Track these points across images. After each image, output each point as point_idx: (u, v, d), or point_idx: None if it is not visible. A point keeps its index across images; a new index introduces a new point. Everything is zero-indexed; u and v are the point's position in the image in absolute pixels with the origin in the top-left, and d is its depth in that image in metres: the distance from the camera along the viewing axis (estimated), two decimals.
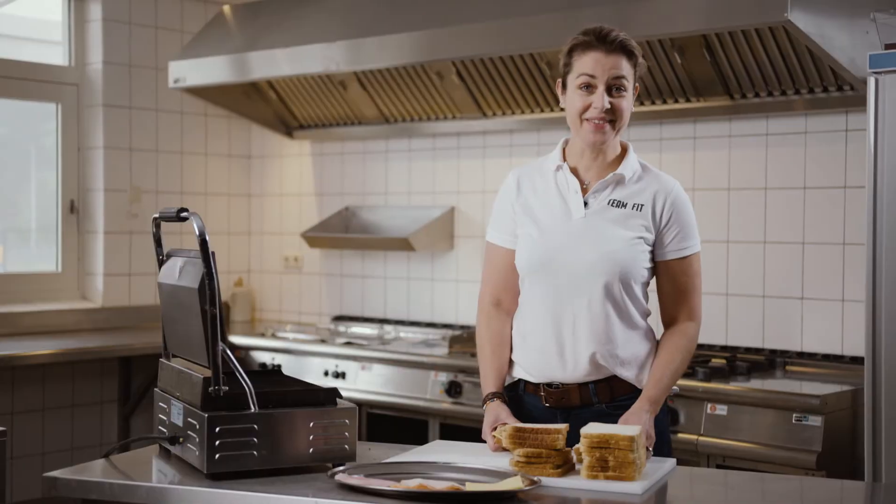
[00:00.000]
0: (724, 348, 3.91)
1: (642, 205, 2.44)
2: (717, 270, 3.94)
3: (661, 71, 3.77)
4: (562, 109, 2.53)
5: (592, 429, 2.08)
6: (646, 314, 2.48)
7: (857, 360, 3.59)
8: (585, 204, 2.46)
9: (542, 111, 4.26)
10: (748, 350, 3.86)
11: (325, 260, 5.27)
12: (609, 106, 2.40)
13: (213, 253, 2.10)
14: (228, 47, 4.76)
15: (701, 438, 3.30)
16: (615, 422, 2.29)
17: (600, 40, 2.42)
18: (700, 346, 3.92)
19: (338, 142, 5.21)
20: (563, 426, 2.13)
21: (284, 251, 5.47)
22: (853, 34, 3.30)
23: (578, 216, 2.45)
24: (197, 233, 2.10)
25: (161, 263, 2.41)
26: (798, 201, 3.77)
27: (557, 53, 3.93)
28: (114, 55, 5.00)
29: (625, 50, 2.42)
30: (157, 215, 2.34)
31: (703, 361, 3.63)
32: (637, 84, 2.47)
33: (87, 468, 2.27)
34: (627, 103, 2.42)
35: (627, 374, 2.44)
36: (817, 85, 3.55)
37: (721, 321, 3.94)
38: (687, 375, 3.43)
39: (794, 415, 3.16)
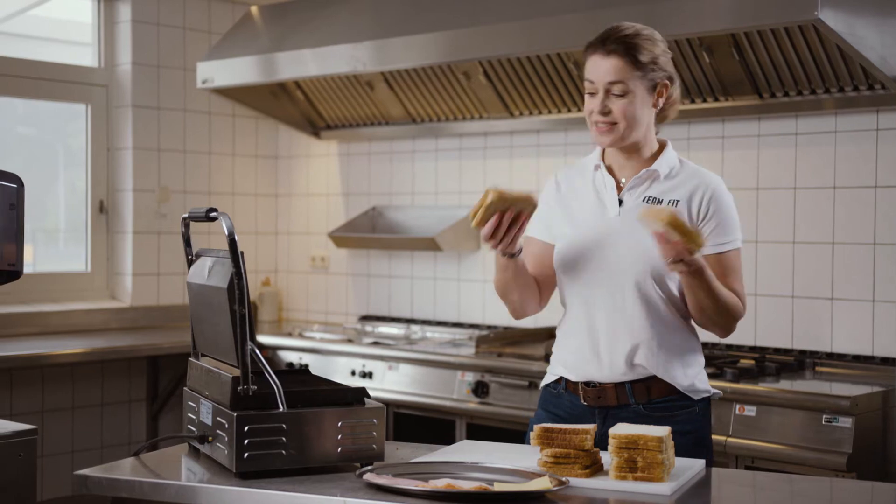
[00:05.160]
0: (753, 349, 3.89)
1: (678, 200, 2.44)
2: (745, 270, 3.89)
3: (690, 70, 3.75)
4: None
5: (621, 429, 2.08)
6: (685, 313, 2.46)
7: (888, 361, 3.57)
8: (620, 202, 2.47)
9: (570, 111, 4.25)
10: (777, 351, 3.83)
11: (351, 260, 5.28)
12: (607, 110, 2.41)
13: (242, 253, 2.11)
14: (256, 48, 4.77)
15: (730, 439, 3.28)
16: (652, 423, 2.28)
17: (601, 42, 2.43)
18: (728, 347, 3.92)
19: (365, 142, 5.22)
20: (592, 426, 2.12)
21: (311, 251, 5.48)
22: (884, 33, 3.28)
23: (613, 213, 2.47)
24: (226, 233, 2.10)
25: (190, 263, 2.42)
26: (828, 201, 3.74)
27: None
28: (142, 56, 5.04)
29: (626, 52, 2.39)
30: (186, 215, 2.35)
31: (732, 362, 3.61)
32: (661, 82, 2.43)
33: (117, 466, 2.28)
34: (628, 107, 2.40)
35: (666, 374, 2.43)
36: (847, 84, 3.52)
37: (750, 321, 3.91)
38: (715, 376, 3.42)
39: (823, 416, 3.14)
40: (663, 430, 2.06)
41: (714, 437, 3.30)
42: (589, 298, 2.46)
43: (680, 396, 2.44)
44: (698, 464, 2.23)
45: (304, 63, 4.55)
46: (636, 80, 2.41)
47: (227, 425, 2.12)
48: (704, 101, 3.87)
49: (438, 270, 4.90)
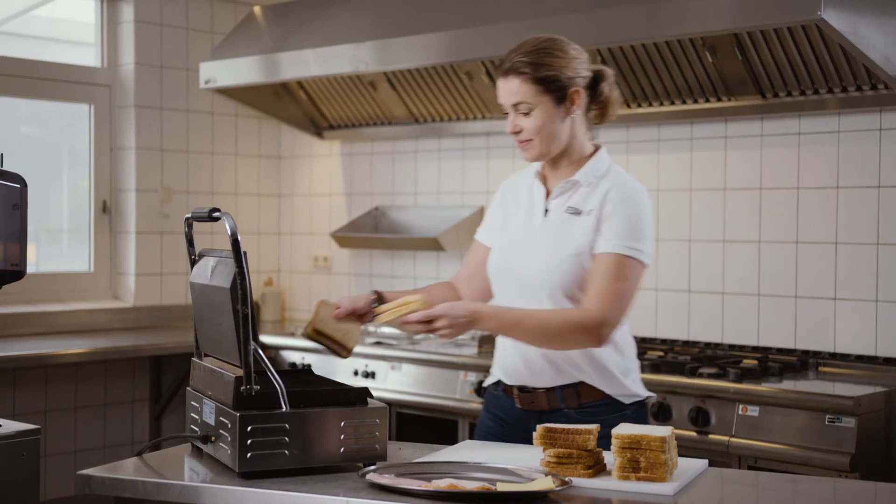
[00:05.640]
0: (756, 349, 3.89)
1: (592, 209, 2.45)
2: (749, 271, 3.92)
3: (692, 70, 3.75)
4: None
5: (624, 429, 2.08)
6: None
7: (891, 361, 3.57)
8: (546, 211, 2.50)
9: None
10: (780, 351, 3.83)
11: (354, 260, 5.28)
12: (518, 129, 2.45)
13: (245, 253, 2.11)
14: (258, 48, 4.78)
15: (732, 440, 3.28)
16: None
17: (500, 64, 2.47)
18: (731, 347, 3.91)
19: (367, 142, 5.22)
20: (595, 426, 2.12)
21: (314, 251, 5.48)
22: (887, 33, 3.28)
23: (536, 224, 2.50)
24: (229, 233, 2.11)
25: (193, 263, 2.42)
26: (831, 201, 3.74)
27: (587, 53, 3.92)
28: (145, 56, 5.04)
29: (522, 71, 2.41)
30: (189, 215, 2.35)
31: (735, 362, 3.61)
32: (571, 90, 2.42)
33: (120, 466, 2.28)
34: (535, 123, 2.42)
35: (592, 380, 2.45)
36: (850, 84, 3.52)
37: (753, 321, 3.91)
38: (718, 376, 3.41)
39: (826, 416, 3.14)
40: (666, 431, 2.06)
41: (717, 437, 3.30)
42: (514, 306, 2.47)
43: (610, 400, 2.46)
44: (700, 463, 2.23)
45: (306, 63, 4.56)
46: (538, 95, 2.42)
47: (230, 425, 2.12)
48: (707, 101, 3.87)
49: (441, 270, 4.90)
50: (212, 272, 2.26)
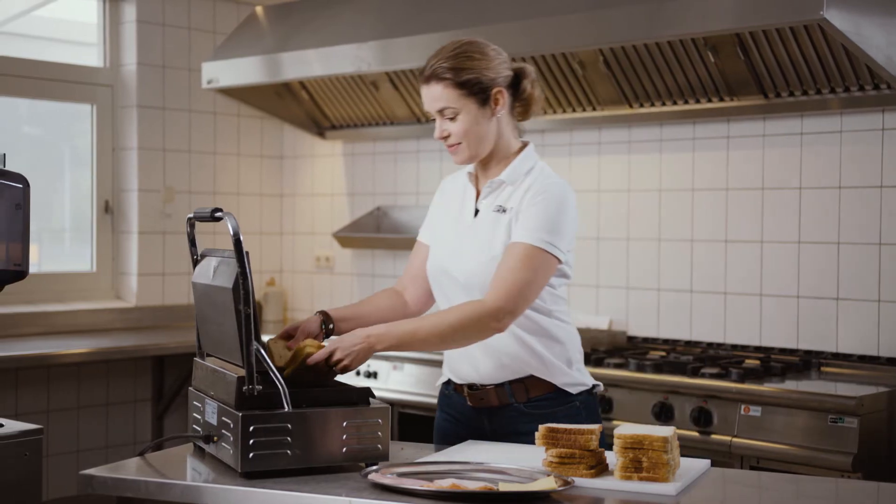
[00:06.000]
0: (758, 349, 3.88)
1: (513, 206, 2.46)
2: (751, 271, 3.92)
3: (695, 70, 3.74)
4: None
5: (626, 430, 2.08)
6: (546, 314, 2.46)
7: (894, 362, 3.57)
8: (477, 212, 2.52)
9: (574, 111, 4.25)
10: (782, 351, 3.83)
11: (356, 260, 5.29)
12: (445, 134, 2.47)
13: (247, 253, 2.11)
14: (261, 48, 4.78)
15: (735, 440, 3.28)
16: (534, 420, 2.27)
17: (422, 72, 2.48)
18: (733, 347, 3.91)
19: (369, 142, 5.22)
20: (597, 426, 2.12)
21: (316, 251, 5.48)
22: (889, 32, 3.28)
23: (467, 225, 2.51)
24: (231, 233, 2.11)
25: (195, 263, 2.42)
26: (833, 201, 3.74)
27: (588, 53, 3.93)
28: (147, 56, 5.04)
29: (443, 77, 2.43)
30: (191, 215, 2.35)
31: (737, 362, 3.61)
32: (494, 91, 2.43)
33: (123, 466, 2.28)
34: (461, 127, 2.44)
35: (538, 373, 2.46)
36: (853, 83, 3.52)
37: (755, 321, 3.91)
38: (720, 376, 3.41)
39: (829, 416, 3.14)
40: (668, 431, 2.06)
41: (719, 437, 3.30)
42: (452, 304, 2.47)
43: (558, 392, 2.47)
44: (703, 464, 2.23)
45: (308, 63, 4.56)
46: (462, 99, 2.43)
47: (232, 425, 2.12)
48: (709, 101, 3.87)
49: None
50: (214, 272, 2.26)
